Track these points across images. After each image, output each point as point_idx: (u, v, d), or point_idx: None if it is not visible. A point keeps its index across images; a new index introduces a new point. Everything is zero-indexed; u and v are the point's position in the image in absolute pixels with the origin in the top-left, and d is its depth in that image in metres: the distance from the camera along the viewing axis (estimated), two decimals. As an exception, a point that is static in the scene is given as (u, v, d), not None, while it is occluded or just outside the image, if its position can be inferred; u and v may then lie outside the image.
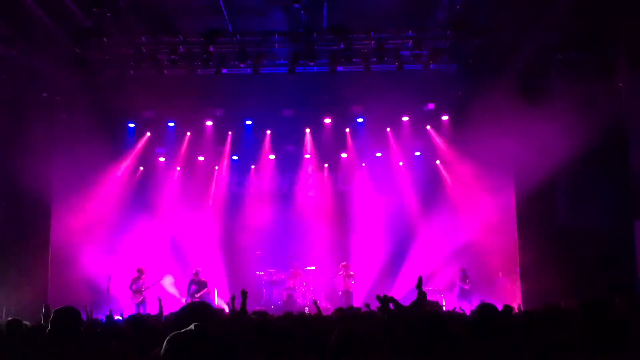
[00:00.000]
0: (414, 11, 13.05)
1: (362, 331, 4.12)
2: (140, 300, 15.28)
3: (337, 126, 17.56)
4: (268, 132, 18.04)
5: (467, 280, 15.82)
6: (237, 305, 7.62)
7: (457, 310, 9.18)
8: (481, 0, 12.45)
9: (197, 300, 14.92)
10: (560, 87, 14.05)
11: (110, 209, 16.25)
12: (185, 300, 15.16)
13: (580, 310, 3.72)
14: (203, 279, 15.91)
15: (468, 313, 7.89)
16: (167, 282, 16.70)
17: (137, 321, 6.80)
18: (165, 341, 2.62)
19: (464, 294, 15.51)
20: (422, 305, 6.62)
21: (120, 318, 9.84)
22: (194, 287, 15.75)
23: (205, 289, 15.77)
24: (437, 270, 16.45)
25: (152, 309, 14.34)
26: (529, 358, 4.30)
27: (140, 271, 15.59)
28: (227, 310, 11.67)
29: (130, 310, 14.18)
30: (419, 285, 6.53)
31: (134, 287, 15.42)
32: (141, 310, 14.33)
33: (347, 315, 7.58)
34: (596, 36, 12.91)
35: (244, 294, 6.21)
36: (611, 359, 3.43)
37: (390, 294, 6.62)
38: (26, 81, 14.15)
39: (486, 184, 15.67)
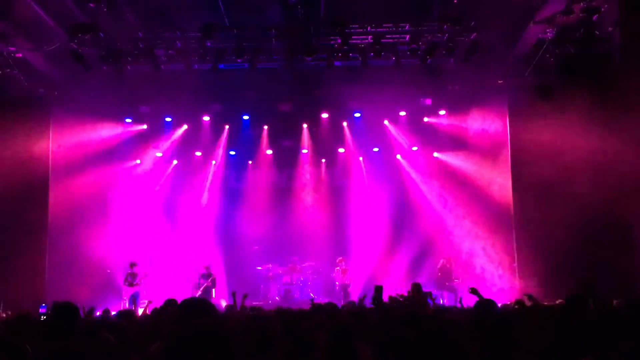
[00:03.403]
0: (411, 5, 13.03)
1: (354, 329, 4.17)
2: (134, 292, 15.24)
3: (335, 121, 17.56)
4: (265, 127, 18.06)
5: (445, 271, 15.80)
6: (238, 301, 7.68)
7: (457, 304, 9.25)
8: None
9: (201, 293, 15.13)
10: (558, 81, 14.07)
11: (108, 203, 16.25)
12: (199, 295, 15.24)
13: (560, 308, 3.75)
14: (213, 275, 16.01)
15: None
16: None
17: (131, 315, 6.85)
18: (163, 340, 2.62)
19: (439, 285, 15.56)
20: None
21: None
22: (202, 281, 15.84)
23: (207, 282, 15.83)
24: (431, 264, 16.53)
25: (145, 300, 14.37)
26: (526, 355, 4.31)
27: (132, 265, 15.54)
28: (223, 306, 11.76)
29: (124, 304, 14.23)
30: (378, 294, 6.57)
31: (128, 281, 15.36)
32: (137, 302, 14.37)
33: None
34: (594, 31, 12.90)
35: (243, 296, 6.37)
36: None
37: (385, 287, 6.72)
38: (23, 76, 14.11)
39: (483, 179, 15.70)
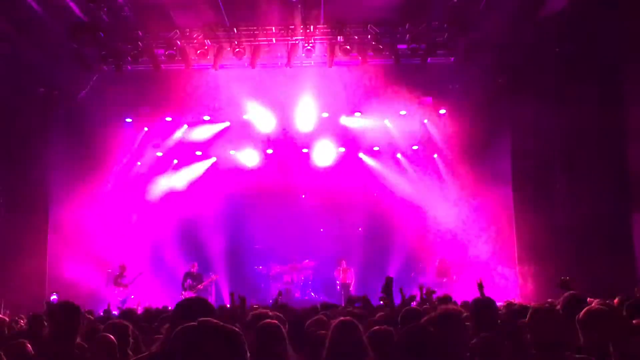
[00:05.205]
0: (411, 4, 13.02)
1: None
2: (124, 297, 15.11)
3: (335, 121, 17.51)
4: (265, 126, 18.01)
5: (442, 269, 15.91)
6: (236, 302, 7.68)
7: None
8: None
9: (194, 293, 14.94)
10: (559, 79, 14.06)
11: (107, 203, 16.25)
12: (183, 294, 15.14)
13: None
14: (199, 273, 15.92)
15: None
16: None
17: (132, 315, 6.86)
18: (173, 335, 2.59)
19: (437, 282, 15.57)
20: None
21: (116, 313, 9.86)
22: (189, 280, 15.71)
23: (202, 283, 15.75)
24: (432, 262, 16.56)
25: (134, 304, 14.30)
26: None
27: (122, 267, 15.40)
28: None
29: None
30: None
31: (117, 283, 15.24)
32: (124, 307, 14.26)
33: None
34: (594, 29, 12.90)
35: (242, 300, 6.44)
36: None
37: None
38: (23, 76, 14.11)
39: (483, 177, 15.69)
